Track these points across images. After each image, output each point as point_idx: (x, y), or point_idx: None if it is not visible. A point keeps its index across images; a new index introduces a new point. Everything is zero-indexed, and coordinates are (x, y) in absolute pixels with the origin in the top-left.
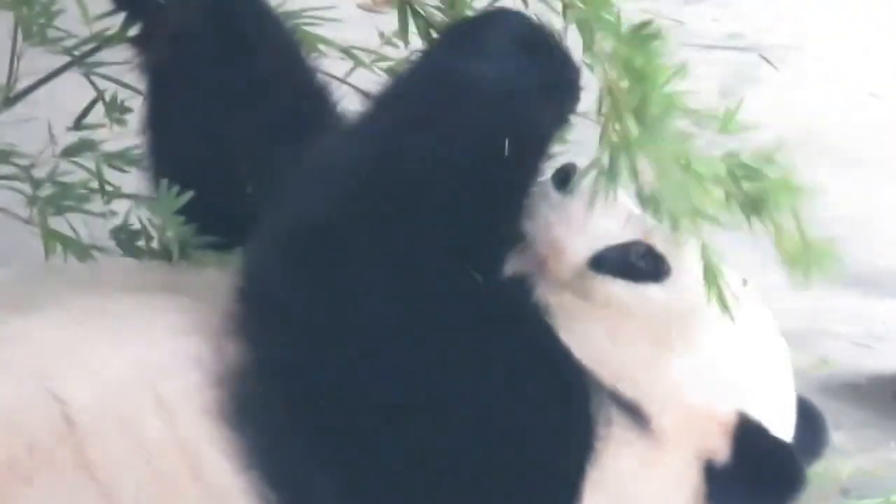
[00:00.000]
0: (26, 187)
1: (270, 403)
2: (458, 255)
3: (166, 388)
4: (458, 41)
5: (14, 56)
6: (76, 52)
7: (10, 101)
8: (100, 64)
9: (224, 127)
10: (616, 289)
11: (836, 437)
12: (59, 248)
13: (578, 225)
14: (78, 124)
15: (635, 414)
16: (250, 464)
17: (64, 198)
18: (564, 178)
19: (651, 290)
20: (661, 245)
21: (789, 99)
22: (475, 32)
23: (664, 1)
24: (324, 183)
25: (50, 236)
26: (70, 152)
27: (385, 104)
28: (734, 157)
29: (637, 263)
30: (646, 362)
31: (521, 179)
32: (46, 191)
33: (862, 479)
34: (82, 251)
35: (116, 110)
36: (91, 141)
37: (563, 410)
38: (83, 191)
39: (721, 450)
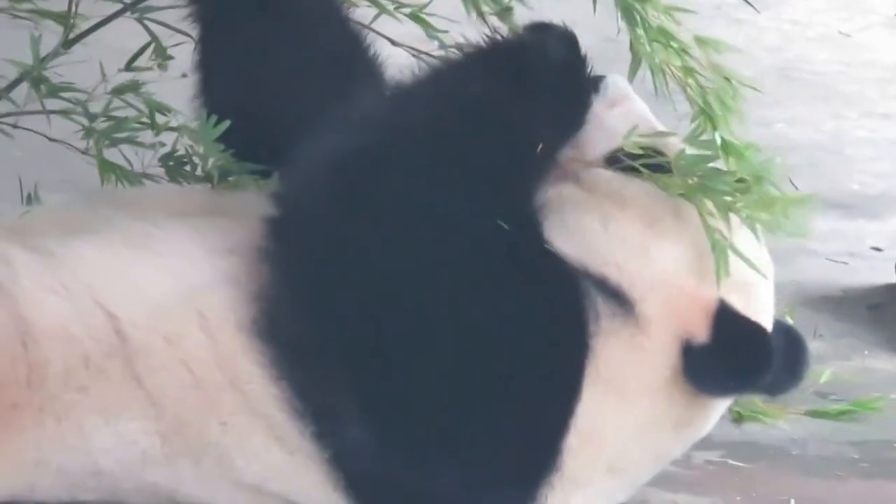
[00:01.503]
0: (83, 121)
1: (299, 320)
2: (477, 195)
3: (206, 305)
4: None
5: (72, 2)
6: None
7: (69, 43)
8: (152, 9)
9: (267, 68)
10: (621, 182)
11: (815, 346)
12: (112, 177)
13: (600, 123)
14: (129, 66)
15: (620, 299)
16: (280, 375)
17: (117, 130)
18: (597, 82)
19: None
20: (664, 147)
21: (768, 39)
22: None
23: None
24: (369, 124)
25: (105, 165)
26: (120, 91)
27: (429, 82)
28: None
29: (651, 160)
30: (635, 248)
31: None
32: (101, 125)
33: (838, 385)
34: (134, 179)
35: (162, 56)
36: (138, 83)
37: (561, 323)
38: (136, 124)
39: (700, 331)
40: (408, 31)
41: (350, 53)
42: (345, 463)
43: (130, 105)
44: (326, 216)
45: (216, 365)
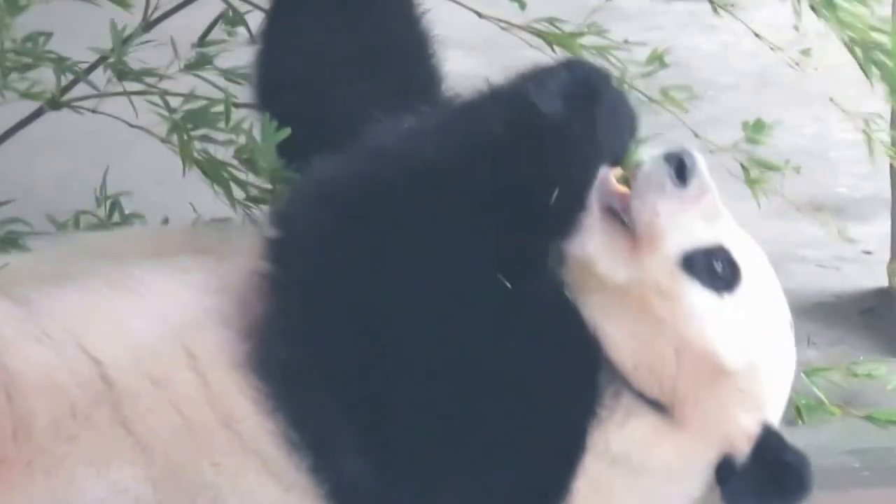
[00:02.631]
0: (162, 109)
1: (296, 351)
2: (492, 243)
3: (195, 344)
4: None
5: None
6: None
7: (149, 25)
8: None
9: (325, 52)
10: (695, 296)
11: (809, 354)
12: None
13: (683, 218)
14: (202, 41)
15: (654, 404)
16: (276, 408)
17: (196, 118)
18: (681, 168)
19: (716, 302)
20: (734, 250)
21: (744, 44)
22: (548, 78)
23: None
24: (389, 154)
25: (188, 154)
26: (192, 66)
27: (447, 122)
28: None
29: (717, 270)
30: (678, 363)
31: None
32: (179, 114)
33: (834, 394)
34: (216, 168)
35: (233, 23)
36: (209, 56)
37: (568, 374)
38: (214, 110)
39: (742, 448)
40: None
41: (412, 53)
42: (342, 498)
43: (206, 80)
44: (329, 242)
45: (208, 405)
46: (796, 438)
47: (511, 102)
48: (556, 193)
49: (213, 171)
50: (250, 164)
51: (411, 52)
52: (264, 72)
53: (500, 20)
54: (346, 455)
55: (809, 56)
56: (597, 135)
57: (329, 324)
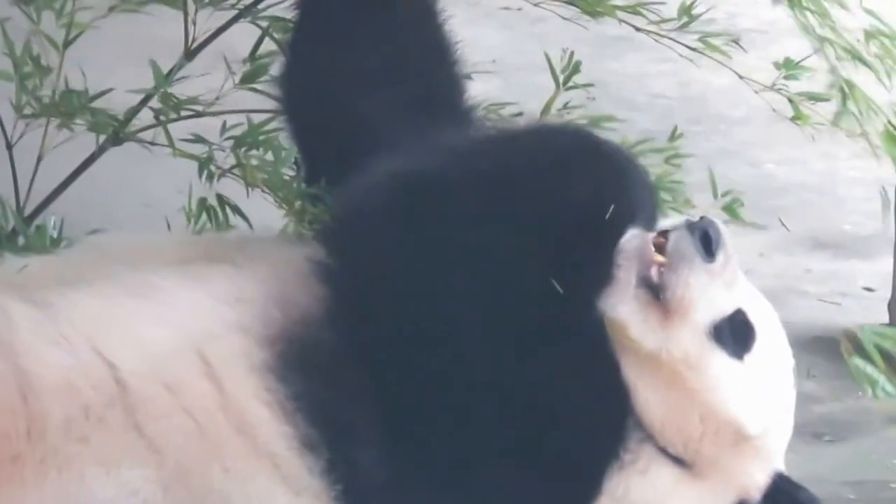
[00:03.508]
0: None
1: (331, 348)
2: (546, 257)
3: (211, 352)
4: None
5: (187, 22)
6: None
7: (192, 54)
8: (263, 10)
9: (348, 65)
10: (716, 361)
11: (809, 386)
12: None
13: (711, 290)
14: (252, 57)
15: (674, 457)
16: (296, 408)
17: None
18: (707, 241)
19: (737, 368)
20: (749, 310)
21: (757, 78)
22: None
23: None
24: (443, 161)
25: (252, 178)
26: (247, 79)
27: (509, 140)
28: None
29: (739, 335)
30: (703, 427)
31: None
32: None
33: (833, 426)
34: (286, 186)
35: (283, 30)
36: (265, 65)
37: (598, 415)
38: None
39: (756, 497)
40: None
41: (434, 64)
42: (354, 498)
43: (262, 92)
44: (384, 238)
45: (221, 411)
46: (793, 468)
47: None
48: (610, 210)
49: (282, 191)
50: (267, 183)
51: (435, 59)
52: (290, 83)
53: None
54: (365, 453)
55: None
56: (645, 175)
57: (370, 318)
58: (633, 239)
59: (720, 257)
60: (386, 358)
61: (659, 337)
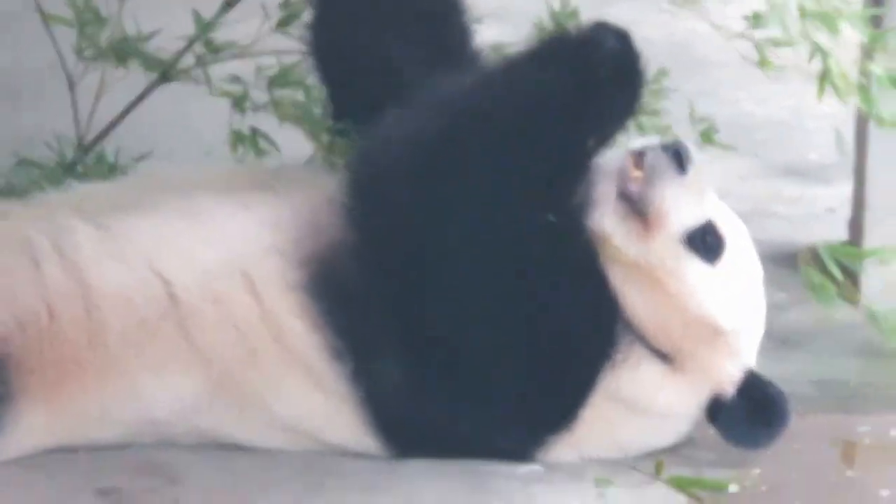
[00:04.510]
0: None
1: (355, 273)
2: (536, 186)
3: (254, 271)
4: (563, 49)
5: None
6: None
7: (231, 3)
8: None
9: (373, 28)
10: (691, 265)
11: (779, 296)
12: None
13: (683, 202)
14: (285, 4)
15: (661, 354)
16: (326, 322)
17: (285, 76)
18: (681, 160)
19: (709, 272)
20: (718, 221)
21: (733, 27)
22: (577, 49)
23: None
24: (444, 108)
25: (286, 113)
26: (281, 24)
27: (504, 71)
28: None
29: (709, 243)
30: (683, 326)
31: (577, 153)
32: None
33: (799, 332)
34: (315, 121)
35: None
36: (300, 9)
37: (590, 320)
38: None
39: (730, 390)
40: None
41: (446, 14)
42: (376, 401)
43: (293, 36)
44: (399, 185)
45: (261, 322)
46: (763, 368)
47: (571, 44)
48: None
49: (312, 126)
50: (298, 119)
51: (446, 10)
52: (319, 29)
53: None
54: (383, 362)
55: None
56: (641, 75)
57: (388, 247)
58: (612, 158)
59: (691, 171)
60: (402, 281)
61: (639, 245)
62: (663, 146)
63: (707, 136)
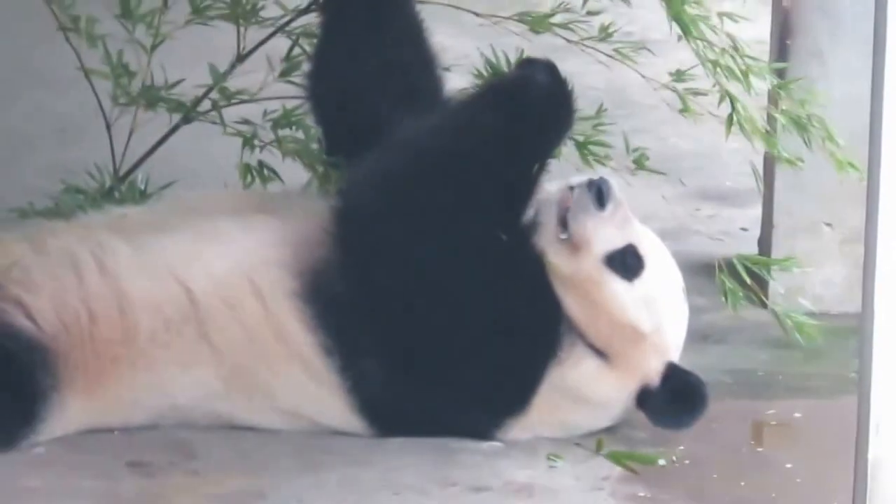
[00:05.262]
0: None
1: (342, 286)
2: (489, 211)
3: (260, 280)
4: (501, 89)
5: (239, 34)
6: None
7: (242, 58)
8: (299, 28)
9: (360, 79)
10: (615, 285)
11: (699, 301)
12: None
13: (603, 230)
14: (287, 58)
15: (598, 351)
16: (318, 325)
17: (287, 118)
18: (600, 195)
19: (629, 287)
20: (640, 245)
21: (663, 77)
22: (512, 86)
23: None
24: (409, 146)
25: (287, 149)
26: (284, 74)
27: (454, 115)
28: None
29: (628, 263)
30: (610, 329)
31: (522, 178)
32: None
33: (716, 330)
34: (312, 155)
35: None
36: (300, 62)
37: (538, 323)
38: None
39: (655, 380)
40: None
41: (423, 65)
42: (361, 390)
43: (295, 83)
44: (374, 212)
45: (266, 324)
46: (686, 361)
47: (508, 83)
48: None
49: (309, 159)
50: (298, 153)
51: (421, 63)
52: (315, 79)
53: (494, 15)
54: (366, 359)
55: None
56: (571, 99)
57: (368, 266)
58: (552, 192)
59: (609, 206)
60: (379, 292)
61: (570, 263)
62: (589, 183)
63: (639, 163)
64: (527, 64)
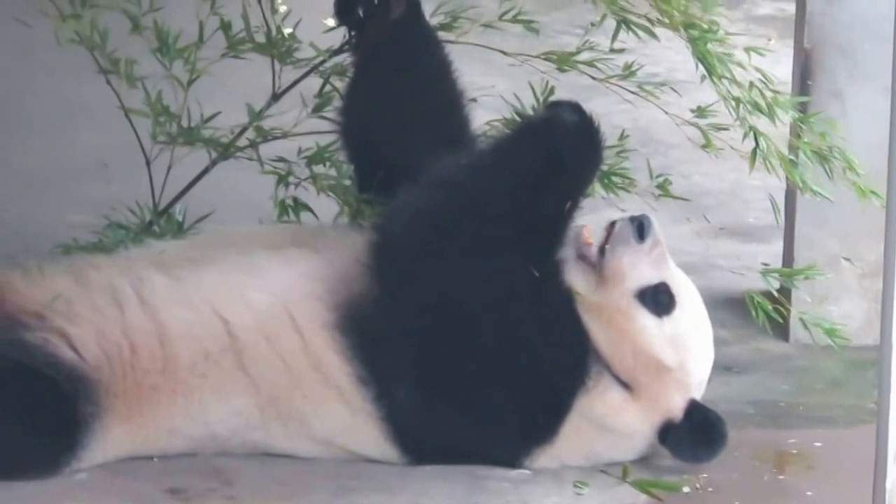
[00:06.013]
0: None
1: (377, 317)
2: (517, 247)
3: (297, 313)
4: (531, 129)
5: (274, 74)
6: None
7: (277, 97)
8: (331, 68)
9: (391, 118)
10: (644, 319)
11: (722, 333)
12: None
13: (639, 265)
14: (320, 95)
15: (623, 383)
16: (353, 356)
17: (320, 155)
18: (641, 229)
19: (657, 322)
20: (673, 285)
21: (686, 116)
22: (541, 127)
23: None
24: (444, 184)
25: (319, 182)
26: (316, 109)
27: (488, 154)
28: None
29: (659, 300)
30: (635, 361)
31: (555, 216)
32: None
33: (739, 362)
34: (345, 191)
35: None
36: (331, 97)
37: (568, 354)
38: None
39: (678, 415)
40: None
41: (451, 105)
42: (394, 419)
43: (327, 118)
44: (410, 245)
45: (303, 354)
46: (711, 390)
47: (537, 124)
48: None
49: (342, 195)
50: (332, 189)
51: (449, 103)
52: (346, 117)
53: (522, 54)
54: (400, 389)
55: (727, 128)
56: (599, 136)
57: (402, 297)
58: (574, 230)
59: (649, 241)
60: (414, 323)
61: (601, 292)
62: (631, 218)
63: (663, 188)
64: (554, 106)
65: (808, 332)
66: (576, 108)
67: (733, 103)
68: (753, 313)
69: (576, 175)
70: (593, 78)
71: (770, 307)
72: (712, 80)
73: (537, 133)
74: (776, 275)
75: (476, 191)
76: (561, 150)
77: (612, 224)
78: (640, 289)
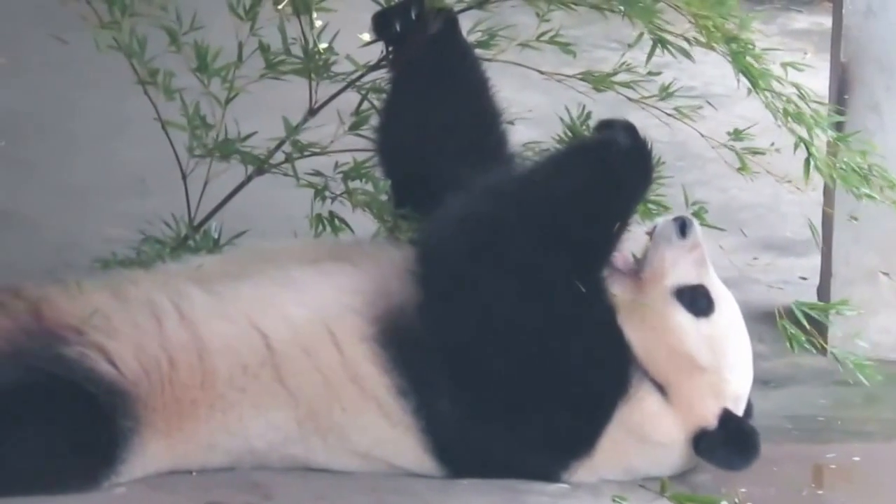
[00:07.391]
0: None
1: (419, 327)
2: (566, 262)
3: (336, 326)
4: (586, 149)
5: (311, 89)
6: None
7: (314, 111)
8: (369, 83)
9: (428, 133)
10: (680, 316)
11: (760, 347)
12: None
13: (679, 263)
14: (357, 112)
15: (658, 386)
16: (393, 367)
17: (357, 170)
18: (684, 228)
19: (693, 321)
20: (712, 290)
21: (723, 129)
22: (597, 148)
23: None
24: (493, 198)
25: (356, 201)
26: (353, 127)
27: (540, 170)
28: None
29: (697, 302)
30: (668, 358)
31: (604, 235)
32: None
33: (776, 376)
34: (381, 207)
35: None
36: (369, 115)
37: (610, 366)
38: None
39: (712, 423)
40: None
41: (488, 121)
42: (434, 431)
43: (364, 136)
44: (457, 254)
45: (342, 367)
46: None
47: (593, 144)
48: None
49: (378, 210)
50: (368, 205)
51: (486, 118)
52: (383, 134)
53: (558, 73)
54: (440, 400)
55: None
56: (651, 159)
57: (447, 305)
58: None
59: (690, 238)
60: (457, 333)
61: (639, 288)
62: (674, 217)
63: (699, 216)
64: (607, 125)
65: (842, 368)
66: (630, 128)
67: (782, 116)
68: (788, 344)
69: (628, 196)
70: (630, 99)
71: (804, 339)
72: (757, 93)
73: (593, 153)
74: (808, 308)
75: (529, 204)
76: (615, 171)
77: (654, 227)
78: (678, 287)
